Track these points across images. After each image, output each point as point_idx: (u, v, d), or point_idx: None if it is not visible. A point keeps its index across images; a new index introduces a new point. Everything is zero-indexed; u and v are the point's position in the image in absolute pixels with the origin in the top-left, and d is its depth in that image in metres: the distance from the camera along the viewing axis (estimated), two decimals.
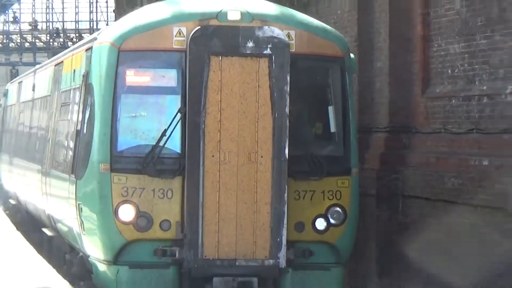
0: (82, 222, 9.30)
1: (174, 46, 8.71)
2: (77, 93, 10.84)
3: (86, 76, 9.80)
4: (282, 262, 8.50)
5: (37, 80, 19.02)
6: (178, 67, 8.77)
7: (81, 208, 9.24)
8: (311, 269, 8.91)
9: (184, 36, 8.61)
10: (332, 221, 9.04)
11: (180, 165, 8.60)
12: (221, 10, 8.78)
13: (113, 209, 8.47)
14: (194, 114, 8.31)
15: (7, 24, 72.30)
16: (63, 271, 12.10)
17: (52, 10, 72.11)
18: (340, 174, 9.19)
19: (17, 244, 15.01)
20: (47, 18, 72.87)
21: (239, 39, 8.49)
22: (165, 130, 8.60)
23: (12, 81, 35.46)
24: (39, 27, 72.26)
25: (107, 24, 56.20)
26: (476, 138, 10.45)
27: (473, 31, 10.67)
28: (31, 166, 17.01)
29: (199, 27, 8.52)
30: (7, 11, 72.46)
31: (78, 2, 70.81)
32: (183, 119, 8.53)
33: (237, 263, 8.44)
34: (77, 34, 67.94)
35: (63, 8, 72.39)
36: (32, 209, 17.80)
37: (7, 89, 30.48)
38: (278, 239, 8.45)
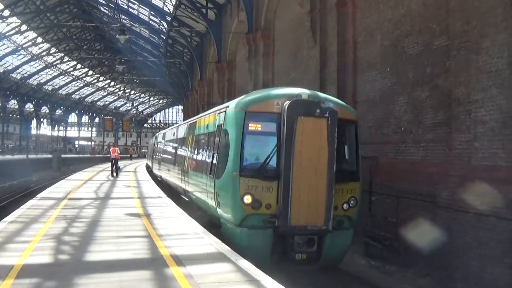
0: (219, 201, 15.34)
1: (274, 110, 14.48)
2: (212, 134, 17.53)
3: (221, 125, 16.10)
4: (330, 227, 14.17)
5: (175, 131, 31.91)
6: (276, 121, 14.44)
7: (218, 194, 15.35)
8: (340, 230, 14.65)
9: (280, 106, 14.42)
10: (351, 204, 14.94)
11: (276, 174, 14.17)
12: (298, 93, 14.70)
13: (240, 197, 14.12)
14: (289, 146, 13.90)
15: None
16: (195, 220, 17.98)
17: None
18: (354, 180, 15.28)
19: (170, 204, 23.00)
20: None
21: (312, 107, 14.21)
22: (269, 155, 14.34)
23: (158, 132, 57.95)
24: None
25: None
26: None
27: None
28: (174, 168, 28.05)
29: (290, 100, 14.26)
30: None
31: None
32: (278, 149, 14.26)
33: (307, 228, 14.10)
34: None
35: None
36: (171, 184, 29.76)
37: (157, 135, 55.17)
38: (328, 215, 14.08)
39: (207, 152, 18.48)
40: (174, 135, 32.15)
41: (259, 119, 14.77)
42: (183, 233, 15.19)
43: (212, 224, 16.77)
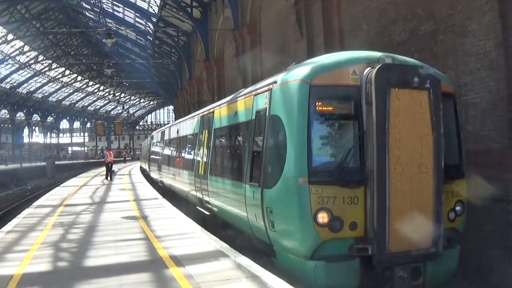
0: (271, 221, 10.94)
1: (351, 83, 10.41)
2: (246, 126, 13.44)
3: (265, 111, 11.88)
4: (440, 248, 10.08)
5: (179, 127, 26.82)
6: (354, 99, 10.36)
7: (271, 210, 10.90)
8: (447, 248, 10.45)
9: (357, 75, 10.43)
10: (457, 212, 10.97)
11: (361, 176, 10.08)
12: (380, 57, 10.73)
13: (312, 215, 9.87)
14: (381, 135, 9.81)
15: None
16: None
17: None
18: (459, 178, 11.23)
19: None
20: None
21: (408, 75, 10.16)
22: (350, 149, 10.24)
23: (155, 131, 51.12)
24: None
25: None
26: None
27: None
28: (183, 172, 23.17)
29: (381, 65, 10.23)
30: None
31: None
32: (362, 139, 10.19)
33: (411, 253, 9.95)
34: None
35: None
36: (178, 191, 25.18)
37: (153, 135, 47.35)
38: (438, 231, 10.06)
39: (239, 150, 14.56)
40: (178, 132, 26.96)
41: (330, 95, 10.55)
42: (181, 233, 15.10)
43: (254, 249, 12.78)
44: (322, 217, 9.87)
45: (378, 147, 9.82)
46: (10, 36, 77.32)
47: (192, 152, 21.50)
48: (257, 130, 12.45)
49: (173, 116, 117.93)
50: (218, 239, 13.79)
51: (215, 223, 17.08)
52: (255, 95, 12.95)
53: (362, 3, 21.84)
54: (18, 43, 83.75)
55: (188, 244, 13.33)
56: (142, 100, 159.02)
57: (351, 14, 22.84)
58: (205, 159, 18.35)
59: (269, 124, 11.58)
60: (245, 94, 14.34)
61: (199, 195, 18.92)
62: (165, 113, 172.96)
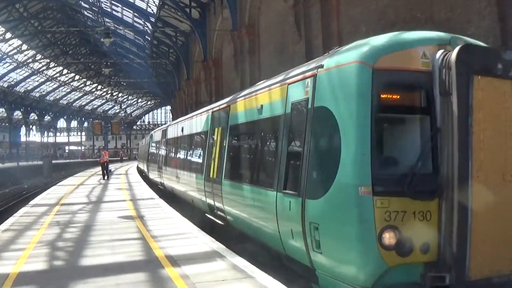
0: (317, 241, 8.79)
1: (421, 68, 8.26)
2: (277, 120, 11.06)
3: (306, 102, 9.56)
4: None
5: (184, 125, 24.20)
6: (425, 88, 8.23)
7: (317, 227, 8.74)
8: None
9: (428, 59, 8.28)
10: None
11: (435, 186, 7.98)
12: (451, 37, 8.66)
13: (376, 235, 7.75)
14: (463, 133, 7.78)
15: None
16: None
17: None
18: None
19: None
20: None
21: (491, 60, 8.16)
22: (422, 152, 8.10)
23: (154, 130, 48.86)
24: None
25: None
26: None
27: None
28: (190, 175, 20.68)
29: (462, 46, 8.05)
30: None
31: None
32: (436, 139, 8.09)
33: (492, 281, 7.91)
34: None
35: None
36: (182, 195, 23.40)
37: (152, 134, 43.99)
38: None
39: (266, 151, 12.43)
40: (183, 130, 24.41)
41: (397, 83, 8.37)
42: (177, 233, 15.07)
43: (283, 269, 11.10)
44: (389, 238, 7.78)
45: (460, 149, 7.80)
46: (8, 35, 77.28)
47: (201, 153, 19.12)
48: (293, 126, 10.29)
49: (171, 116, 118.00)
50: (214, 240, 13.70)
51: (226, 232, 15.47)
52: (290, 84, 10.67)
53: (361, 5, 21.88)
54: (16, 42, 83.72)
55: (184, 244, 13.28)
56: (139, 100, 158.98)
57: (350, 16, 22.88)
58: (218, 161, 15.98)
59: (313, 118, 9.34)
60: (272, 84, 12.03)
61: (209, 201, 16.79)
62: (162, 113, 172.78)
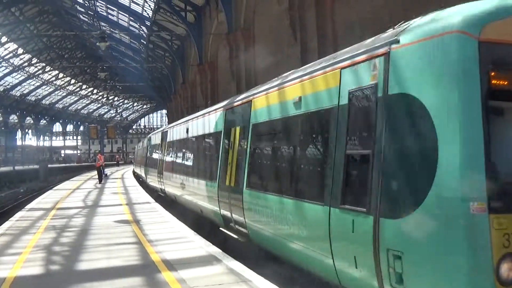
0: (397, 273, 6.58)
1: None
2: (333, 114, 8.46)
3: (375, 88, 7.28)
4: None
5: (190, 126, 21.37)
6: None
7: (399, 256, 6.53)
8: None
9: None
10: None
11: None
12: None
13: (494, 266, 5.76)
14: None
15: None
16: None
17: None
18: None
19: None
20: None
21: None
22: None
23: (153, 133, 46.48)
24: None
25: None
26: None
27: None
28: (199, 183, 18.23)
29: None
30: None
31: None
32: None
33: None
34: None
35: None
36: (189, 205, 20.78)
37: (150, 137, 42.61)
38: None
39: (310, 153, 9.73)
40: (188, 132, 21.69)
41: (509, 59, 6.19)
42: (173, 238, 15.02)
43: None
44: (509, 270, 5.81)
45: None
46: (4, 39, 77.15)
47: (213, 156, 16.60)
48: (353, 121, 7.89)
49: (167, 120, 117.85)
50: (211, 244, 13.64)
51: (243, 248, 13.59)
52: (344, 67, 8.34)
53: (356, 7, 21.90)
54: (12, 46, 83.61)
55: (180, 249, 13.24)
56: (135, 104, 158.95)
57: (345, 19, 22.90)
58: (237, 166, 13.74)
59: (387, 110, 7.08)
60: (313, 71, 9.75)
61: (225, 212, 14.55)
62: (158, 117, 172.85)
